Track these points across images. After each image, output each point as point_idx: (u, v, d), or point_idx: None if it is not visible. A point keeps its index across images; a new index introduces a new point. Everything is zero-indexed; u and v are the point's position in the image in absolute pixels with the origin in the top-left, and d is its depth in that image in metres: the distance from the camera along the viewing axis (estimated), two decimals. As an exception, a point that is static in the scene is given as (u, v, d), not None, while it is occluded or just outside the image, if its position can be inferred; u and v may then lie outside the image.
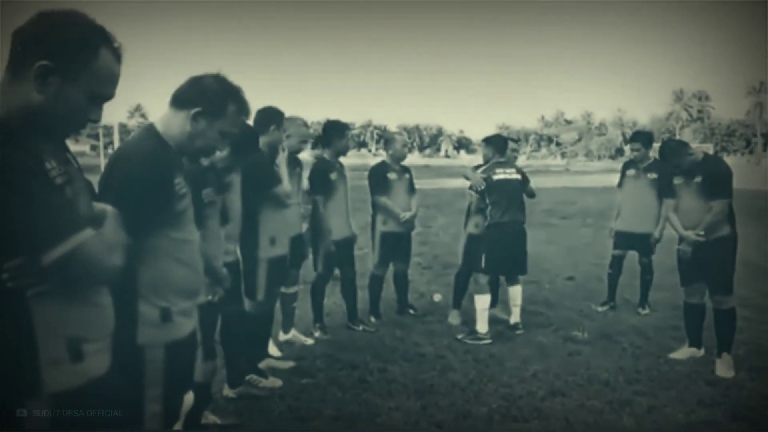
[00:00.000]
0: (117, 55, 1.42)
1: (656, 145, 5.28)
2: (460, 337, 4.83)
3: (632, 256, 5.78)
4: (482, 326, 4.79)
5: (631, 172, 5.69)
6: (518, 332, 4.96)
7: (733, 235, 4.17)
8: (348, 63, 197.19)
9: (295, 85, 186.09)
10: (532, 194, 5.37)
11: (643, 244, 5.56)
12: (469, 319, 5.16)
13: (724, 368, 4.07)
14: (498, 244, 4.89)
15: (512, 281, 5.10)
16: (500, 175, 4.94)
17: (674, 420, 3.43)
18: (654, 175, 5.43)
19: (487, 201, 4.93)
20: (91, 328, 1.42)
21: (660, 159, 4.59)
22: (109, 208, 1.52)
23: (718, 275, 4.15)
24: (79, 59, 1.35)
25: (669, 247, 5.03)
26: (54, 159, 1.34)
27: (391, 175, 5.33)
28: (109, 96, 1.44)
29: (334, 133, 4.84)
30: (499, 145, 5.16)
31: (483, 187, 4.92)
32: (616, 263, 5.80)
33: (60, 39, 1.32)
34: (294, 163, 4.40)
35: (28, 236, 1.24)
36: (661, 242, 5.54)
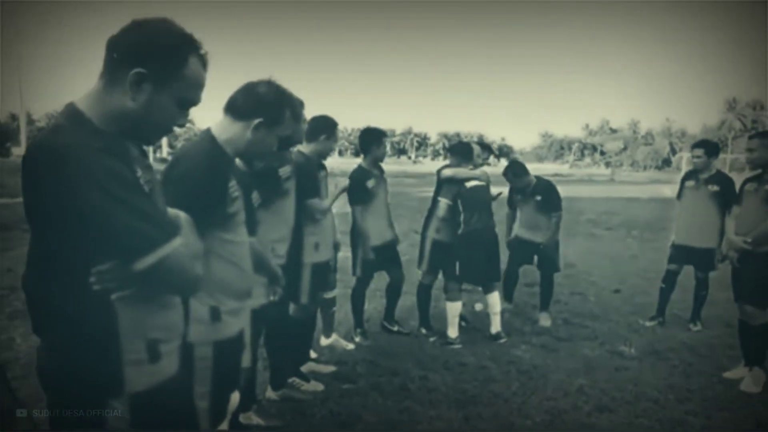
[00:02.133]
0: (204, 62, 1.45)
1: (723, 157, 5.03)
2: (431, 340, 4.98)
3: (684, 270, 5.56)
4: (453, 332, 4.93)
5: (690, 183, 5.35)
6: (501, 341, 4.96)
7: None
8: (390, 68, 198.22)
9: (337, 90, 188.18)
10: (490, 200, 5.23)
11: (701, 259, 5.28)
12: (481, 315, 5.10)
13: (748, 382, 4.00)
14: (473, 251, 4.91)
15: (489, 289, 5.09)
16: (472, 182, 4.99)
17: (730, 442, 3.28)
18: (715, 188, 5.08)
19: (461, 209, 4.95)
20: (167, 329, 1.46)
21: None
22: (181, 213, 1.54)
23: (756, 288, 3.97)
24: (171, 67, 1.37)
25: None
26: (140, 166, 1.38)
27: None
28: (196, 102, 1.47)
29: (371, 141, 4.77)
30: (464, 152, 5.20)
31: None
32: (670, 278, 5.55)
33: (153, 47, 1.35)
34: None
35: (119, 243, 1.26)
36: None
